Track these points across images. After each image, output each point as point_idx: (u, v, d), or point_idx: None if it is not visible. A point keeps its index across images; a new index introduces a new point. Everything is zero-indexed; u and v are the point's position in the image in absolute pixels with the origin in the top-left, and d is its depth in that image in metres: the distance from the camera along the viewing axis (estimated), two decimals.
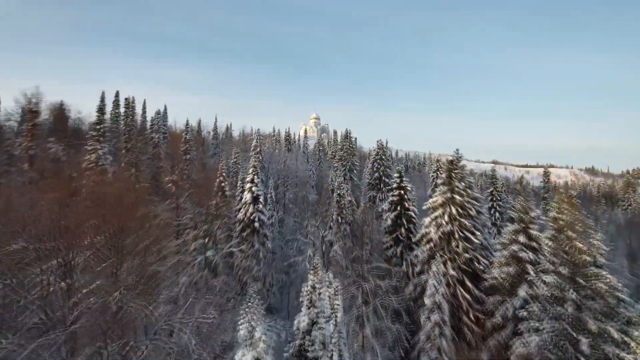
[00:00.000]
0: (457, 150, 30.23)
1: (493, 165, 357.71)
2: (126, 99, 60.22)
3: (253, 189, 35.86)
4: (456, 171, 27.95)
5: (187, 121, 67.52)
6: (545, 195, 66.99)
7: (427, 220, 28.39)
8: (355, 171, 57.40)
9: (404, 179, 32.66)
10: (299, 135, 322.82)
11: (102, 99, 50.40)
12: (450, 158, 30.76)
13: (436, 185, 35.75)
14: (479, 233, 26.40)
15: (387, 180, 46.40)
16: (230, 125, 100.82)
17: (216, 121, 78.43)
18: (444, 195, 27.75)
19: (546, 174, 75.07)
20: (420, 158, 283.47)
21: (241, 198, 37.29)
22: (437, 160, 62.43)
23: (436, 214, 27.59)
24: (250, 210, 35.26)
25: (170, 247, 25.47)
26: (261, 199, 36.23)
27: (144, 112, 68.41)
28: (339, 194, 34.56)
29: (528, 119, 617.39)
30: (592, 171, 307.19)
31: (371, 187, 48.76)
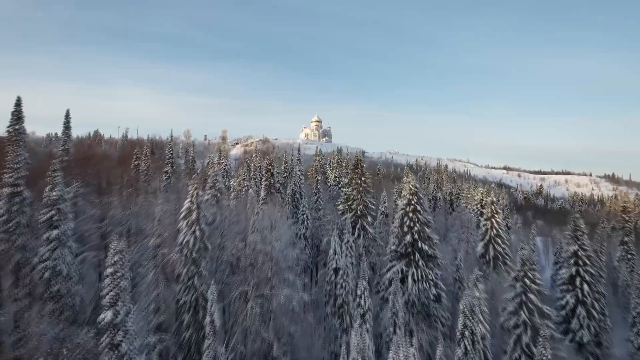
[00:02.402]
0: None
1: (505, 172, 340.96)
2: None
3: None
4: None
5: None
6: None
7: None
8: (369, 216, 41.01)
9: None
10: (300, 141, 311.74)
11: None
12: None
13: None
14: None
15: (426, 247, 31.24)
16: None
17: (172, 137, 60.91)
18: None
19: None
20: (430, 165, 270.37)
21: None
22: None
23: None
24: None
25: None
26: None
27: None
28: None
29: (538, 121, 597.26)
30: (613, 179, 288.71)
31: (398, 256, 32.08)
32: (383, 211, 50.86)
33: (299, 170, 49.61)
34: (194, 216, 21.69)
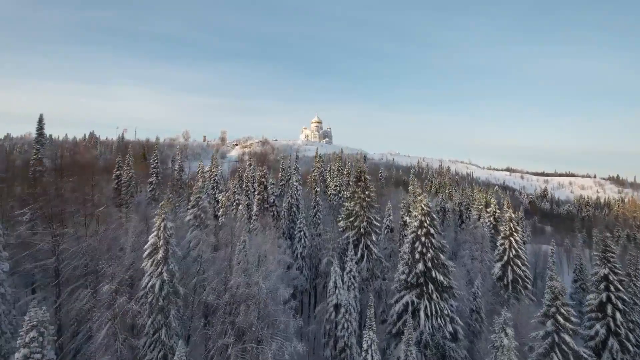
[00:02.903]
0: None
1: (508, 173, 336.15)
2: None
3: None
4: None
5: None
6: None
7: None
8: (374, 234, 36.52)
9: None
10: (300, 142, 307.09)
11: None
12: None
13: None
14: None
15: (440, 277, 26.61)
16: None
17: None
18: None
19: None
20: (433, 167, 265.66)
21: None
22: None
23: None
24: None
25: None
26: None
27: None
28: None
29: (539, 121, 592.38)
30: (618, 181, 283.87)
31: (408, 286, 27.39)
32: (388, 225, 46.59)
33: (297, 181, 45.34)
34: (160, 254, 17.48)
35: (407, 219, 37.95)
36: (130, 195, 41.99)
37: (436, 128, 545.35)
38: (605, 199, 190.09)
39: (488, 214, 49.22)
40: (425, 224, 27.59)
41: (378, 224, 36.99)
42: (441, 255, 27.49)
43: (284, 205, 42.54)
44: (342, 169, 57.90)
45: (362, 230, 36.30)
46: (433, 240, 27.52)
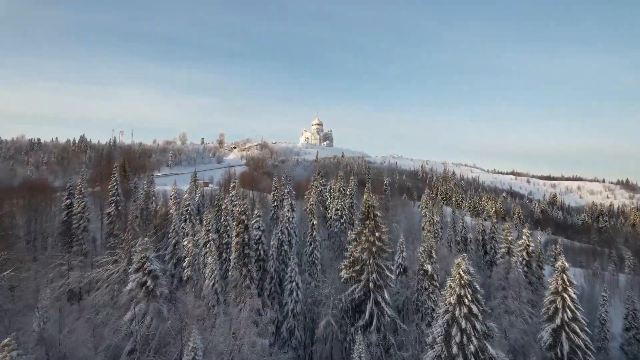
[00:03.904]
0: None
1: (513, 177, 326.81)
2: None
3: None
4: None
5: None
6: None
7: None
8: (386, 287, 28.35)
9: None
10: (300, 145, 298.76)
11: None
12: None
13: None
14: None
15: None
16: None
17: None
18: None
19: None
20: (437, 171, 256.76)
21: None
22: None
23: None
24: None
25: None
26: None
27: None
28: None
29: (541, 121, 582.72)
30: (628, 185, 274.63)
31: None
32: (400, 263, 38.36)
33: (290, 208, 37.17)
34: None
35: (428, 267, 29.61)
36: (82, 230, 33.78)
37: (438, 129, 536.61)
38: (619, 207, 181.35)
39: (520, 248, 40.83)
40: (466, 300, 19.27)
41: (392, 275, 28.62)
42: (488, 347, 19.15)
43: (272, 242, 34.28)
44: (344, 190, 49.47)
45: (370, 284, 27.97)
46: (477, 325, 19.19)
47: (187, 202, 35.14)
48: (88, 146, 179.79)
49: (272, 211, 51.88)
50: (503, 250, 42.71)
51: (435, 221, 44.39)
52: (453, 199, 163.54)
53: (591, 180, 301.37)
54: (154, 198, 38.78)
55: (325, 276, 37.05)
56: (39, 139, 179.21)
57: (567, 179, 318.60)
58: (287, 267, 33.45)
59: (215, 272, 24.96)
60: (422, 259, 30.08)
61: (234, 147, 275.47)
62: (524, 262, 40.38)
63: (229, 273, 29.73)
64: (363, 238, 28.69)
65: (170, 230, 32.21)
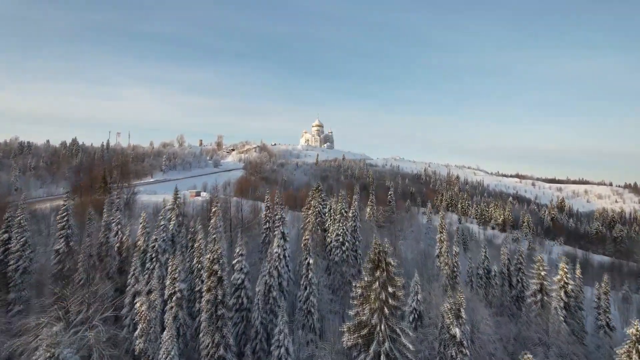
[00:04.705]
0: None
1: (518, 180, 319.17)
2: None
3: None
4: None
5: None
6: None
7: None
8: (400, 337, 21.34)
9: None
10: (300, 147, 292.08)
11: None
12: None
13: None
14: None
15: None
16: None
17: None
18: None
19: None
20: (441, 174, 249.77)
21: None
22: None
23: None
24: None
25: None
26: None
27: None
28: None
29: (543, 122, 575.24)
30: (637, 189, 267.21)
31: None
32: (415, 308, 31.79)
33: (280, 246, 30.64)
34: None
35: (456, 330, 22.93)
36: (22, 273, 27.16)
37: (440, 131, 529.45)
38: (631, 213, 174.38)
39: (557, 284, 34.09)
40: None
41: (410, 346, 21.83)
42: None
43: (258, 288, 27.66)
44: (346, 212, 42.73)
45: (382, 357, 21.25)
46: None
47: (155, 237, 28.44)
48: (80, 150, 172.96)
49: (264, 234, 45.38)
50: (535, 287, 36.00)
51: (455, 253, 37.66)
52: (459, 206, 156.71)
53: (598, 184, 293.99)
54: (119, 227, 31.95)
55: (323, 326, 30.41)
56: (29, 142, 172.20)
57: (574, 182, 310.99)
58: (276, 317, 26.96)
59: (173, 352, 18.32)
60: (448, 319, 23.36)
61: (233, 150, 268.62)
62: (562, 303, 33.67)
63: (199, 337, 23.05)
64: (372, 295, 21.98)
65: (130, 277, 25.55)
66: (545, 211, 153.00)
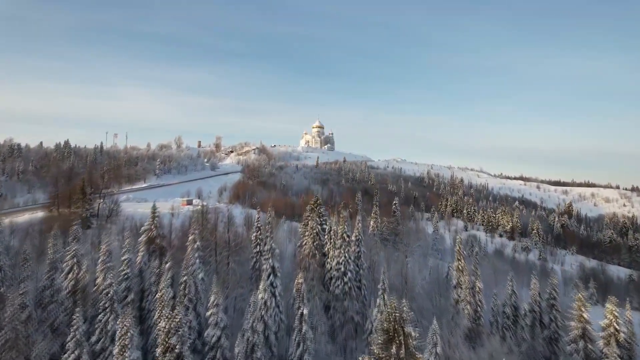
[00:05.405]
0: None
1: (522, 183, 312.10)
2: None
3: None
4: None
5: None
6: None
7: None
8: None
9: None
10: (300, 148, 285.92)
11: None
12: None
13: None
14: None
15: None
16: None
17: None
18: None
19: None
20: (444, 177, 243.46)
21: None
22: None
23: None
24: None
25: None
26: None
27: None
28: None
29: (545, 123, 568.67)
30: None
31: None
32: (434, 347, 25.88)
33: (266, 290, 24.82)
34: None
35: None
36: None
37: (440, 131, 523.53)
38: None
39: (606, 326, 28.13)
40: None
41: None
42: None
43: (238, 349, 21.70)
44: (348, 236, 36.82)
45: None
46: None
47: (110, 280, 22.51)
48: (72, 152, 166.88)
49: (254, 258, 39.54)
50: (575, 332, 30.00)
51: (478, 290, 31.74)
52: (465, 212, 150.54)
53: (605, 187, 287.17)
54: (74, 262, 26.03)
55: None
56: (19, 144, 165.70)
57: (579, 185, 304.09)
58: None
59: None
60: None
61: (231, 151, 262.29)
62: (613, 355, 27.63)
63: None
64: None
65: (68, 340, 19.66)
66: (554, 217, 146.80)
